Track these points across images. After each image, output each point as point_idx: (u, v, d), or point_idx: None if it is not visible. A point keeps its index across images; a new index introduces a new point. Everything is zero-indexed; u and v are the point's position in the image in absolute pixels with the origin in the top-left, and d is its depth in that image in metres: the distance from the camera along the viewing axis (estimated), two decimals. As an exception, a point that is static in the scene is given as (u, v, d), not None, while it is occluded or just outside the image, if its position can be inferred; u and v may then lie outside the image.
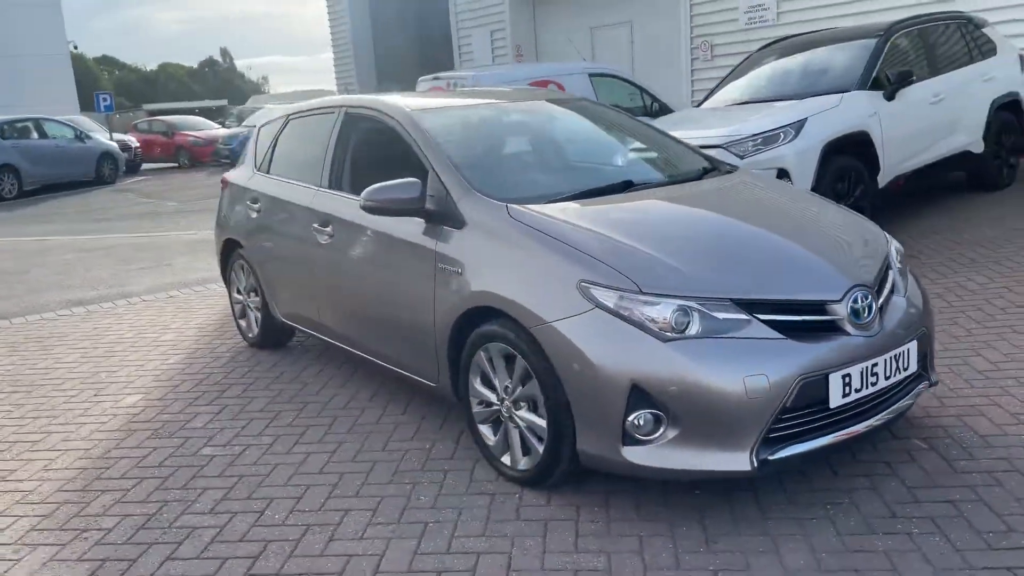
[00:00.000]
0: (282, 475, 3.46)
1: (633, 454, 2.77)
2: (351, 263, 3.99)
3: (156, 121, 26.22)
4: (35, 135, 18.32)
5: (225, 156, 21.25)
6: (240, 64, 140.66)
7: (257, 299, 5.10)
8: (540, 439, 3.07)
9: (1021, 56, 8.29)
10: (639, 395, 2.73)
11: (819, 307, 2.87)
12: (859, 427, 2.90)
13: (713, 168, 4.05)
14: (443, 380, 3.53)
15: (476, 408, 3.37)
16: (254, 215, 4.89)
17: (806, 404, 2.76)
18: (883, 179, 6.71)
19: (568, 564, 2.68)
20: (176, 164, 24.30)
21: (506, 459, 3.26)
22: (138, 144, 23.20)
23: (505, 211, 3.28)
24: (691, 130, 6.32)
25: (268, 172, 4.95)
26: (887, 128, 6.66)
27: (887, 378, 2.95)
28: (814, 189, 5.98)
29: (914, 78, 6.91)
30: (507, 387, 3.18)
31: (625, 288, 2.81)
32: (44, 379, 4.98)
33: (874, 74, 6.85)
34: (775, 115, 6.42)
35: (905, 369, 3.03)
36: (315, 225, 4.21)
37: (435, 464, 3.46)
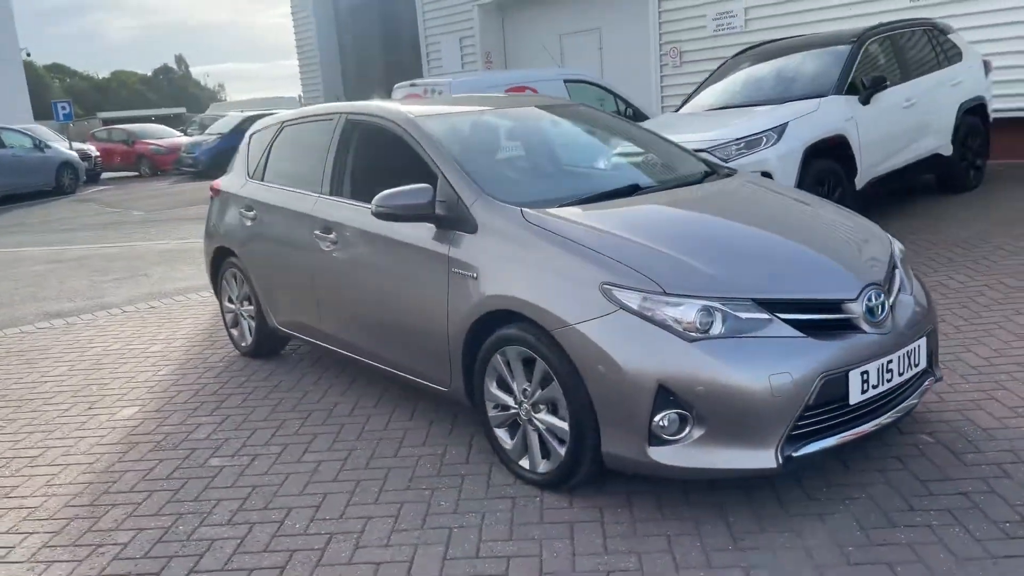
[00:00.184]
0: (296, 484, 3.43)
1: (659, 454, 2.80)
2: (356, 269, 3.97)
3: (116, 130, 25.77)
4: (-8, 145, 17.90)
5: (189, 164, 21.00)
6: (196, 71, 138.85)
7: (251, 308, 5.05)
8: (561, 441, 3.08)
9: (985, 61, 8.55)
10: (665, 395, 2.76)
11: (836, 306, 2.93)
12: (876, 423, 2.96)
13: (712, 171, 4.11)
14: (456, 385, 3.53)
15: (492, 412, 3.37)
16: (248, 223, 4.84)
17: (827, 401, 2.82)
18: (860, 181, 6.87)
19: (600, 565, 2.70)
20: (137, 173, 23.90)
21: (524, 463, 3.27)
22: (98, 153, 22.76)
23: (520, 215, 3.30)
24: (673, 134, 6.38)
25: (263, 180, 4.90)
26: (863, 132, 6.82)
27: (901, 374, 3.02)
28: (797, 191, 6.09)
29: (888, 83, 7.08)
30: (525, 390, 3.19)
31: (648, 289, 2.84)
32: (33, 393, 4.87)
33: (850, 79, 7.01)
34: (757, 119, 6.54)
35: (916, 365, 3.11)
36: (316, 232, 4.19)
37: (450, 469, 3.46)
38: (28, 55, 41.69)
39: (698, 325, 2.77)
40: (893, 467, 3.18)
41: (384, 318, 3.84)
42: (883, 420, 3.00)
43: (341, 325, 4.20)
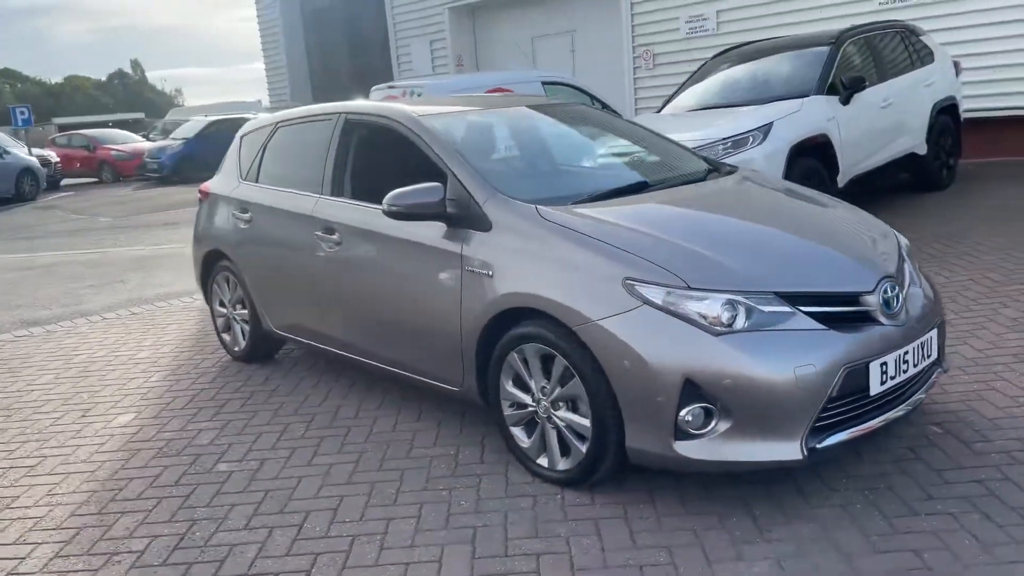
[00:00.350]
0: (310, 487, 3.38)
1: (686, 448, 2.81)
2: (361, 269, 3.93)
3: (76, 135, 25.24)
4: (-51, 151, 17.44)
5: (153, 169, 20.67)
6: (152, 76, 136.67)
7: (244, 311, 4.97)
8: (581, 438, 3.08)
9: (955, 62, 8.75)
10: (691, 390, 2.77)
11: (854, 298, 2.97)
12: (893, 414, 3.01)
13: (713, 168, 4.15)
14: (468, 384, 3.51)
15: (508, 411, 3.36)
16: (243, 225, 4.77)
17: (849, 393, 2.85)
18: (841, 180, 6.98)
19: (631, 560, 2.70)
20: (98, 179, 23.44)
21: (543, 460, 3.26)
22: (58, 159, 22.28)
23: (535, 212, 3.29)
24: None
25: (257, 181, 4.83)
26: (844, 131, 6.94)
27: (915, 365, 3.07)
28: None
29: (866, 83, 7.21)
30: (544, 388, 3.18)
31: (672, 284, 2.85)
32: (20, 403, 4.74)
33: (830, 80, 7.13)
34: (742, 119, 6.62)
35: (929, 356, 3.16)
36: (318, 233, 4.14)
37: (466, 469, 3.44)
38: (-20, 60, 40.63)
39: (723, 319, 2.79)
40: (907, 457, 3.23)
41: (392, 318, 3.80)
42: (899, 411, 3.05)
43: (344, 327, 4.16)
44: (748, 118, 6.60)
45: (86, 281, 8.36)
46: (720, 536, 2.79)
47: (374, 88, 9.86)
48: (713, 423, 2.80)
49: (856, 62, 7.61)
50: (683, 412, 2.79)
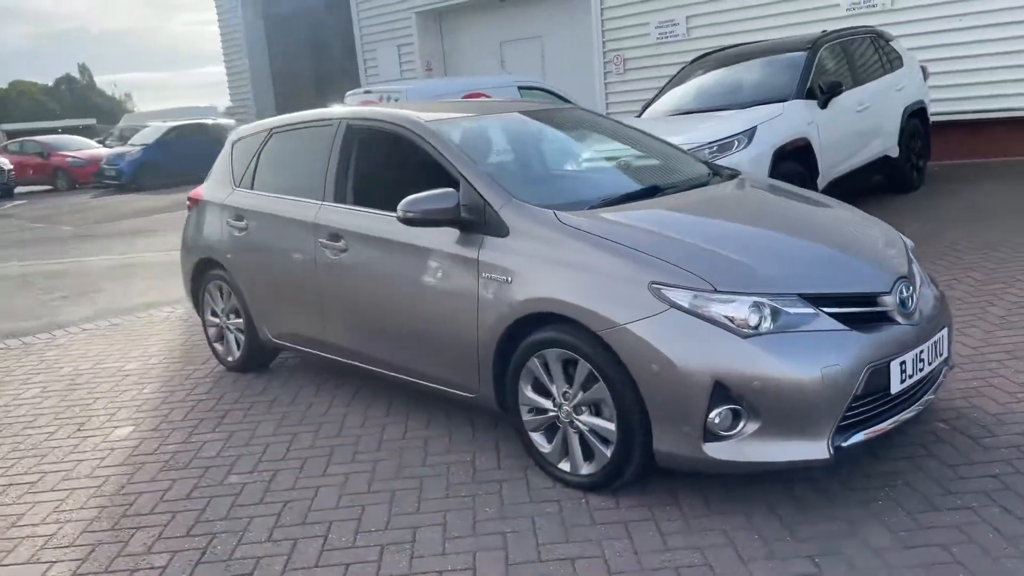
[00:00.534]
0: (329, 497, 3.34)
1: (715, 450, 2.84)
2: (370, 276, 3.90)
3: (29, 142, 24.61)
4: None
5: (111, 177, 20.25)
6: (101, 81, 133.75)
7: (239, 321, 4.90)
8: (605, 442, 3.09)
9: (922, 67, 8.97)
10: (720, 392, 2.80)
11: (872, 299, 3.03)
12: (911, 411, 3.07)
13: (715, 172, 4.20)
14: (484, 391, 3.50)
15: (527, 416, 3.36)
16: (238, 233, 4.70)
17: (872, 391, 2.90)
18: (821, 183, 7.11)
19: (666, 562, 2.72)
20: (52, 187, 22.87)
21: (565, 465, 3.26)
22: (11, 167, 21.70)
23: (554, 217, 3.30)
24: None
25: (252, 188, 4.77)
26: (823, 135, 7.07)
27: (930, 364, 3.14)
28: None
29: (843, 88, 7.36)
30: (566, 392, 3.19)
31: (699, 287, 2.88)
32: (10, 417, 4.61)
33: (808, 84, 7.26)
34: (726, 123, 6.71)
35: (941, 354, 3.24)
36: (322, 240, 4.09)
37: (485, 475, 3.42)
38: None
39: (750, 321, 2.82)
40: (919, 454, 3.30)
41: (402, 325, 3.77)
42: (912, 411, 3.11)
43: (350, 334, 4.12)
44: (732, 122, 6.69)
45: (58, 292, 8.16)
46: (750, 536, 2.83)
47: (349, 93, 9.79)
48: (741, 424, 2.83)
49: (831, 67, 7.76)
50: (712, 414, 2.81)
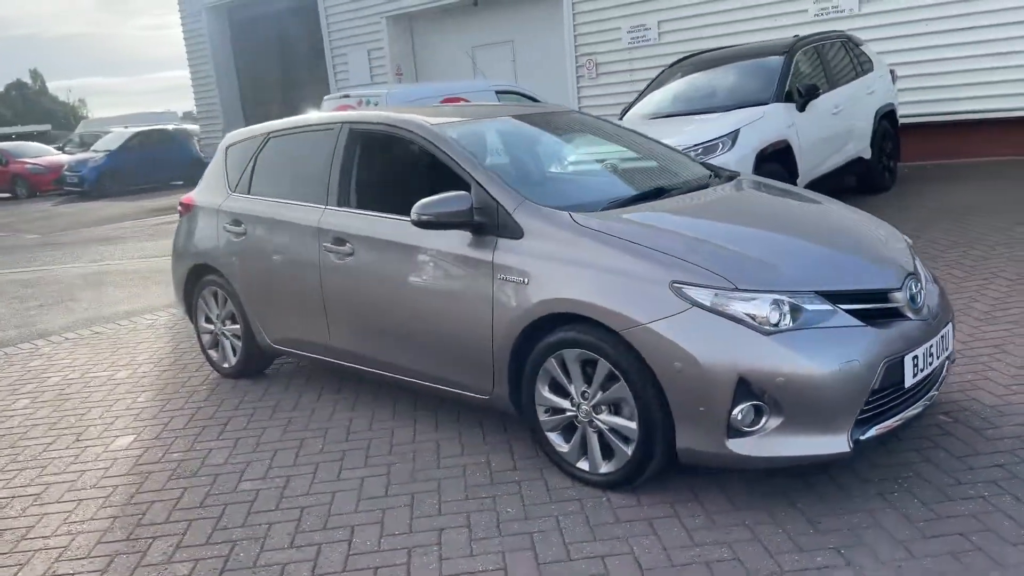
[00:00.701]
0: (347, 502, 3.33)
1: (738, 446, 2.89)
2: (377, 280, 3.89)
3: (-14, 149, 24.04)
4: None
5: (73, 183, 19.88)
6: (54, 86, 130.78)
7: (235, 327, 4.85)
8: (626, 440, 3.12)
9: (891, 70, 9.19)
10: (744, 388, 2.85)
11: (884, 295, 3.10)
12: (921, 404, 3.15)
13: (715, 174, 4.26)
14: (499, 392, 3.51)
15: (544, 416, 3.38)
16: (235, 238, 4.65)
17: (887, 386, 2.98)
18: (800, 184, 7.23)
19: (695, 557, 2.75)
20: (11, 195, 22.36)
21: (583, 464, 3.29)
22: (-31, 174, 21.21)
23: (570, 219, 3.32)
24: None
25: (248, 192, 4.72)
26: (802, 137, 7.21)
27: (938, 357, 3.23)
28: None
29: (820, 91, 7.51)
30: (584, 392, 3.21)
31: (720, 286, 2.93)
32: (2, 428, 4.50)
33: (787, 88, 7.39)
34: (710, 126, 6.81)
35: (947, 349, 3.33)
36: (326, 244, 4.07)
37: (502, 477, 3.44)
38: None
39: (771, 319, 2.88)
40: (926, 446, 3.38)
41: (414, 328, 3.77)
42: (922, 404, 3.19)
43: (356, 338, 4.10)
44: (716, 125, 6.79)
45: (33, 301, 7.99)
46: (774, 530, 2.88)
47: (326, 97, 9.75)
48: (764, 420, 2.88)
49: (807, 71, 7.92)
50: (735, 410, 2.86)
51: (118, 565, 3.00)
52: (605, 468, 3.22)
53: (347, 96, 9.51)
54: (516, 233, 3.39)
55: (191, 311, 5.19)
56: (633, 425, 3.07)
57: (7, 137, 37.41)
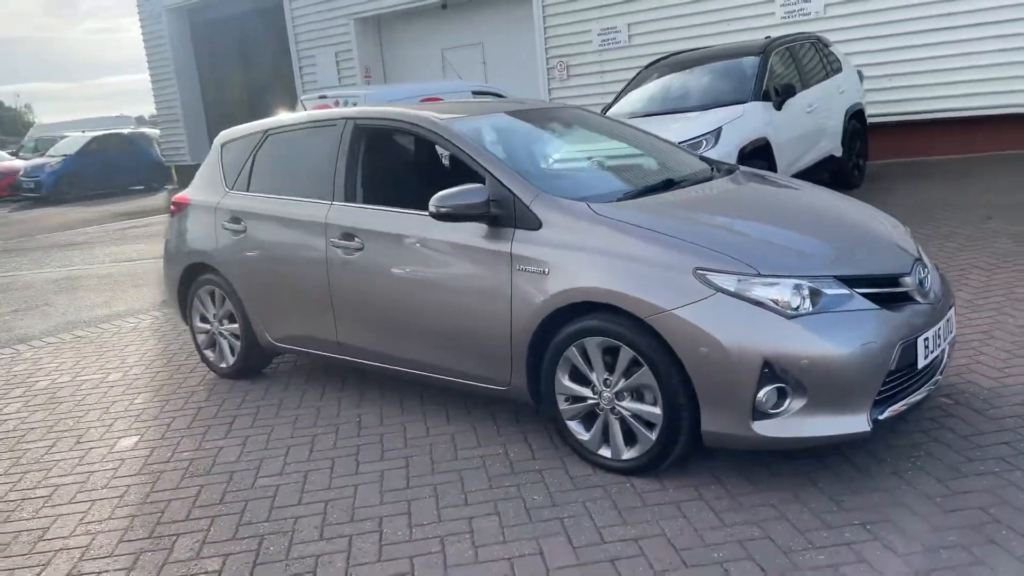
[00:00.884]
0: (371, 495, 3.33)
1: (763, 428, 2.96)
2: (390, 274, 3.88)
3: (-65, 154, 23.37)
4: None
5: (30, 189, 19.42)
6: (0, 91, 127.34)
7: (233, 326, 4.80)
8: (650, 426, 3.17)
9: (859, 71, 9.43)
10: (768, 371, 2.92)
11: (895, 280, 3.20)
12: (931, 385, 3.26)
13: (716, 168, 4.34)
14: (517, 383, 3.54)
15: (564, 405, 3.42)
16: (235, 236, 4.61)
17: (902, 367, 3.07)
18: (779, 181, 7.39)
19: (727, 537, 2.81)
20: (-38, 201, 21.75)
21: (605, 452, 3.33)
22: (-82, 181, 20.57)
23: (588, 209, 3.37)
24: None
25: (247, 190, 4.69)
26: (780, 135, 7.36)
27: (945, 339, 3.34)
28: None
29: (796, 90, 7.68)
30: (607, 380, 3.26)
31: (743, 272, 3.00)
32: (-3, 432, 4.41)
33: (763, 87, 7.55)
34: (693, 124, 6.92)
35: (951, 332, 3.44)
36: (334, 239, 4.06)
37: (523, 466, 3.47)
38: None
39: (792, 303, 2.95)
40: (932, 427, 3.49)
41: (428, 321, 3.77)
42: (928, 388, 3.29)
43: (366, 333, 4.09)
44: (699, 123, 6.91)
45: (6, 306, 7.80)
46: (800, 509, 2.95)
47: (304, 97, 9.69)
48: (788, 402, 2.95)
49: (781, 71, 8.08)
50: (760, 393, 2.93)
51: (145, 562, 2.97)
52: (628, 454, 3.26)
53: (324, 96, 9.46)
54: (534, 224, 3.43)
55: (185, 311, 5.13)
56: (657, 410, 3.13)
57: (-47, 143, 36.40)
